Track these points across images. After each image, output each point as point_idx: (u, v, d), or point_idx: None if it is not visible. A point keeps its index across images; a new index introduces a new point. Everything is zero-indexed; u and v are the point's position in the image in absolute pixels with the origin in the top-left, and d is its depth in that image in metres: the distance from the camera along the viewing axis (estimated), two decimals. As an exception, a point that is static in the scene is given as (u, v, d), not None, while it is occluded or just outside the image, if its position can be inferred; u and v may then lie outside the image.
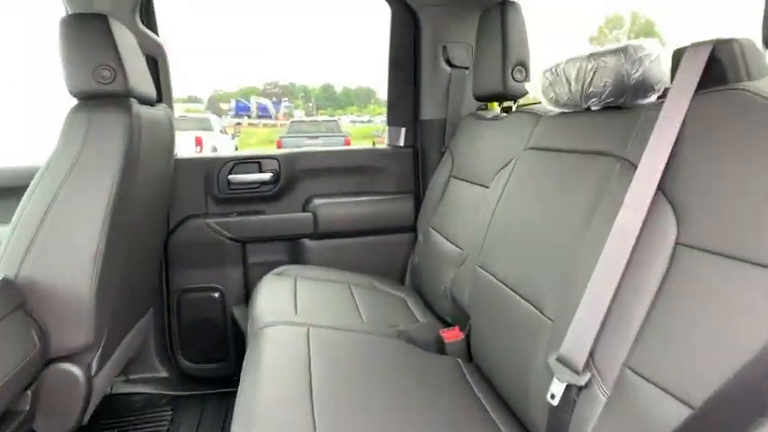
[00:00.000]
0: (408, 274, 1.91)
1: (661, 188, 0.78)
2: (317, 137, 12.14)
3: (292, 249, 1.96)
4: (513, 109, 1.58)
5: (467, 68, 1.89)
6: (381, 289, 1.79)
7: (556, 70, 1.14)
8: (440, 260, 1.60)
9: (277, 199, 1.97)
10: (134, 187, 1.33)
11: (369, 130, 19.20)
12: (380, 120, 26.34)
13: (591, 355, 0.80)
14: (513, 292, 1.08)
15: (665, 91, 0.97)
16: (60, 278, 1.17)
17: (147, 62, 1.65)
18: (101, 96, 1.25)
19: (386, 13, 1.96)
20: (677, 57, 0.85)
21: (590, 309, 0.82)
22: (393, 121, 2.04)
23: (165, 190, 1.70)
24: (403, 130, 2.01)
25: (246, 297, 1.93)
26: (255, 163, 1.93)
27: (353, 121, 30.30)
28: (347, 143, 12.00)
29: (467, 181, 1.62)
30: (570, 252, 0.94)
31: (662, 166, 0.79)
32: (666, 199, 0.78)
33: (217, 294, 1.92)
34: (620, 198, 0.83)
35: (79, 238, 1.18)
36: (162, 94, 1.78)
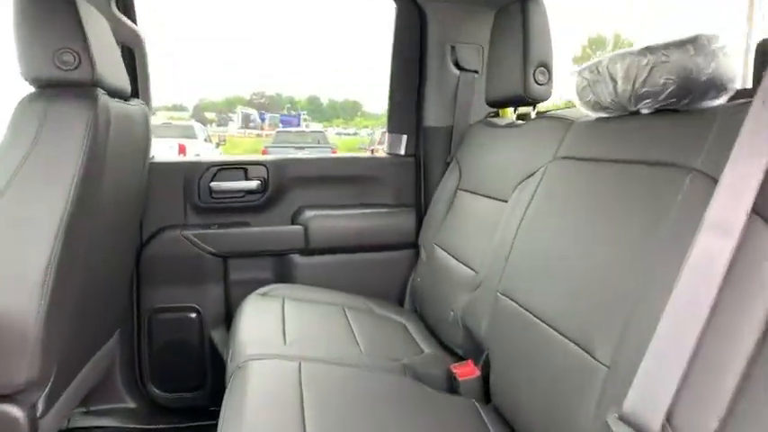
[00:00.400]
0: (408, 295, 1.73)
1: (755, 209, 0.62)
2: (303, 147, 11.95)
3: (280, 266, 1.77)
4: (533, 115, 1.42)
5: (476, 72, 1.73)
6: (379, 313, 1.60)
7: (597, 68, 0.99)
8: (447, 282, 1.42)
9: (264, 210, 1.78)
10: (98, 192, 1.14)
11: (355, 142, 19.07)
12: (366, 132, 26.24)
13: (668, 416, 0.63)
14: (550, 327, 0.91)
15: (738, 92, 0.82)
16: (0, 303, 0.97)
17: (123, 53, 1.46)
18: (61, 84, 1.06)
19: (383, 13, 1.80)
20: (764, 50, 0.70)
21: (664, 356, 0.65)
22: (394, 127, 1.87)
23: (138, 196, 1.50)
24: (404, 137, 1.84)
25: (227, 318, 1.74)
26: (241, 169, 1.75)
27: (339, 134, 30.17)
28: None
29: (478, 194, 1.46)
30: (628, 282, 0.77)
31: (754, 183, 0.62)
32: (764, 221, 0.61)
33: (194, 315, 1.72)
34: (694, 218, 0.67)
35: (26, 253, 0.98)
36: (138, 88, 1.59)
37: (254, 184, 1.74)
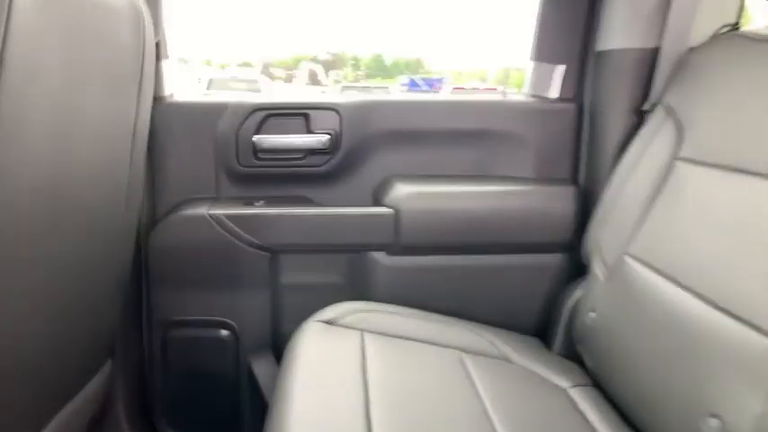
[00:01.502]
0: (562, 333, 1.07)
1: None
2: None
3: (355, 268, 1.15)
4: None
5: None
6: (521, 364, 0.96)
7: None
8: (688, 349, 0.74)
9: (333, 179, 1.17)
10: (35, 145, 0.55)
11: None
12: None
13: None
14: None
15: None
16: None
17: None
18: None
19: None
20: None
21: None
22: (541, 52, 1.17)
23: (135, 153, 0.91)
24: (560, 69, 1.15)
25: (275, 341, 1.16)
26: (300, 115, 1.12)
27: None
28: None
29: (727, 168, 0.76)
30: None
31: None
32: None
33: (226, 333, 1.15)
34: None
35: None
36: None
37: (320, 138, 1.12)
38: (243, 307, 1.14)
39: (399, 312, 1.04)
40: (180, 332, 1.14)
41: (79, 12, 0.62)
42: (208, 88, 10.51)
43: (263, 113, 1.11)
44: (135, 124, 0.82)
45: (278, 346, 1.15)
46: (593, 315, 0.93)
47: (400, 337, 0.97)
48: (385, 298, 1.11)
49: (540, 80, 1.17)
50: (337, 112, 1.13)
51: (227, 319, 1.14)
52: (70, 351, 0.80)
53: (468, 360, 0.92)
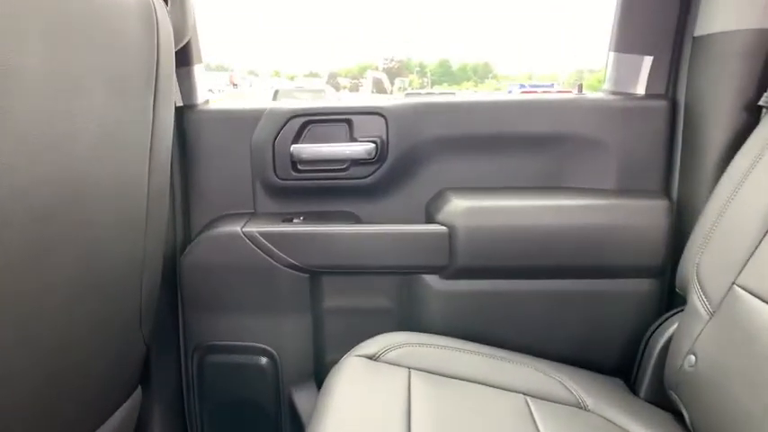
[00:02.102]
0: (667, 379, 0.89)
1: None
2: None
3: (404, 292, 1.02)
4: None
5: None
6: (599, 413, 0.80)
7: None
8: None
9: (380, 193, 1.05)
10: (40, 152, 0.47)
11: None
12: (499, 95, 24.12)
13: None
14: None
15: None
16: None
17: None
18: None
19: None
20: None
21: None
22: (625, 41, 1.00)
23: (157, 166, 0.82)
24: (647, 61, 0.97)
25: (317, 370, 1.05)
26: (342, 121, 1.01)
27: (470, 97, 28.70)
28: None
29: None
30: None
31: None
32: None
33: (265, 361, 1.05)
34: None
35: None
36: None
37: (363, 147, 1.00)
38: (282, 332, 1.04)
39: (452, 346, 0.90)
40: (216, 358, 1.06)
41: (65, 5, 0.53)
42: (273, 99, 10.80)
43: (301, 120, 1.00)
44: (152, 133, 0.74)
45: (320, 376, 1.05)
46: (692, 358, 0.75)
47: (452, 377, 0.83)
48: (437, 327, 0.97)
49: (624, 74, 1.00)
50: (384, 117, 1.01)
51: (266, 346, 1.04)
52: (89, 382, 0.73)
53: (534, 406, 0.77)
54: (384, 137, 1.01)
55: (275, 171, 1.02)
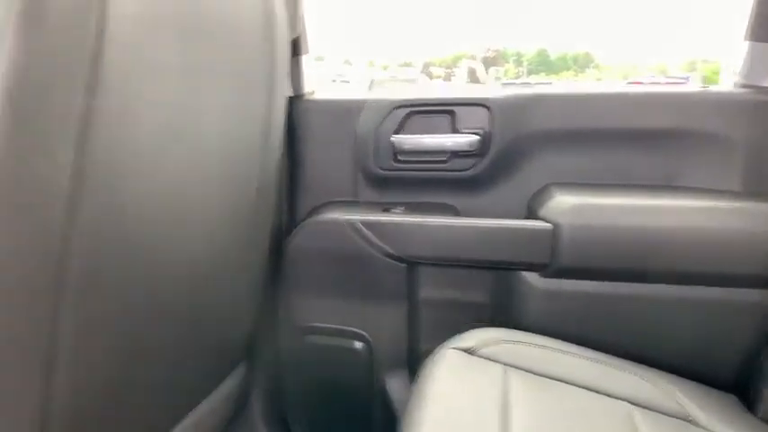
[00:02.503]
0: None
1: None
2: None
3: (502, 288, 1.00)
4: None
5: None
6: (710, 428, 0.74)
7: None
8: None
9: (481, 186, 1.04)
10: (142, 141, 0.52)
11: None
12: (602, 86, 22.87)
13: None
14: None
15: None
16: None
17: None
18: None
19: None
20: None
21: None
22: (764, 30, 0.90)
23: (269, 154, 0.87)
24: None
25: (410, 359, 1.07)
26: (444, 112, 1.01)
27: (569, 88, 27.44)
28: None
29: None
30: None
31: None
32: None
33: (359, 345, 1.08)
34: None
35: None
36: None
37: (466, 139, 0.99)
38: (378, 319, 1.06)
39: (552, 346, 0.87)
40: (315, 339, 1.11)
41: (196, 6, 0.58)
42: (369, 89, 10.98)
43: (403, 111, 1.01)
44: (268, 123, 0.78)
45: (413, 365, 1.06)
46: None
47: (551, 378, 0.80)
48: (535, 326, 0.95)
49: (759, 66, 0.91)
50: (488, 108, 0.99)
51: (361, 331, 1.07)
52: (201, 352, 0.79)
53: (639, 416, 0.73)
54: (487, 129, 0.99)
55: (376, 161, 1.04)
